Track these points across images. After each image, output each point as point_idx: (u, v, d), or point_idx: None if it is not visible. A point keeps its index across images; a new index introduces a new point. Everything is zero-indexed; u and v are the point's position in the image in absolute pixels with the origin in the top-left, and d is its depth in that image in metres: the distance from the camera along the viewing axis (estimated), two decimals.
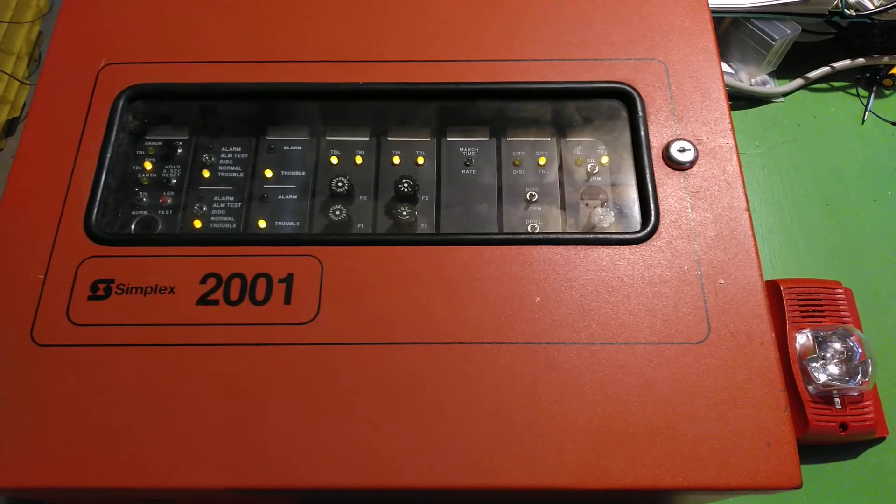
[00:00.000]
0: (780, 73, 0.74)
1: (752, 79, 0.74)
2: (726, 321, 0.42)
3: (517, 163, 0.50)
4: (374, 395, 0.40)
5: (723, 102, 0.49)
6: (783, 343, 0.57)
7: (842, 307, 0.59)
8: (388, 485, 0.37)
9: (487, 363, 0.40)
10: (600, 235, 0.44)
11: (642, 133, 0.47)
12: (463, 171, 0.49)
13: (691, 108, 0.48)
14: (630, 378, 0.40)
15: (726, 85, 0.72)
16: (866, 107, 0.73)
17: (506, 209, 0.48)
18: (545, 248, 0.44)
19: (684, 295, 0.42)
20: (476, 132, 0.50)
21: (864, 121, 0.72)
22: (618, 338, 0.41)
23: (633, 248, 0.44)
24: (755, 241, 0.44)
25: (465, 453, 0.38)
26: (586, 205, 0.48)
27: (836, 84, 0.75)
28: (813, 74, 0.74)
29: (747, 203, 0.45)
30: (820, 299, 0.59)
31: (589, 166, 0.49)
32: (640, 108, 0.48)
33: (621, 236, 0.44)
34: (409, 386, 0.40)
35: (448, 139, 0.50)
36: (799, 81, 0.74)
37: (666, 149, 0.46)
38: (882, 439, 0.58)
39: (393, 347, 0.41)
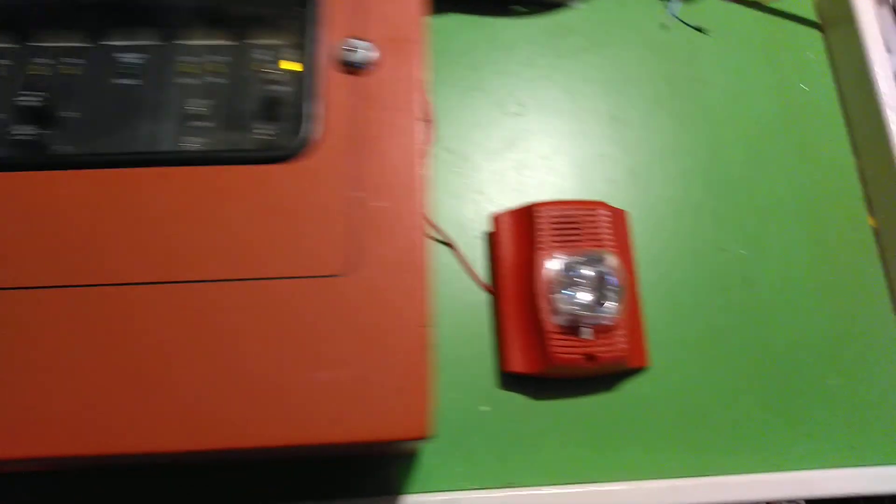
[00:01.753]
0: None
1: None
2: (377, 252, 0.36)
3: (187, 70, 0.42)
4: None
5: (415, 1, 0.41)
6: (530, 270, 0.52)
7: (603, 230, 0.54)
8: None
9: (90, 305, 0.34)
10: (245, 153, 0.38)
11: (312, 31, 0.40)
12: (120, 82, 0.42)
13: (379, 7, 0.41)
14: (256, 319, 0.35)
15: None
16: (669, 10, 0.67)
17: (164, 125, 0.41)
18: (183, 170, 0.37)
19: (333, 220, 0.36)
20: (140, 35, 0.43)
21: (665, 26, 0.66)
22: (249, 273, 0.35)
23: (283, 165, 0.37)
24: (424, 158, 0.38)
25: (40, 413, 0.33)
26: (256, 117, 0.41)
27: None
28: None
29: (425, 114, 0.39)
30: (577, 222, 0.54)
31: (267, 73, 0.42)
32: (314, 4, 0.41)
33: (271, 153, 0.38)
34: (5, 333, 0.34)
35: (105, 43, 0.42)
36: None
37: (340, 50, 0.40)
38: (643, 369, 0.54)
39: None
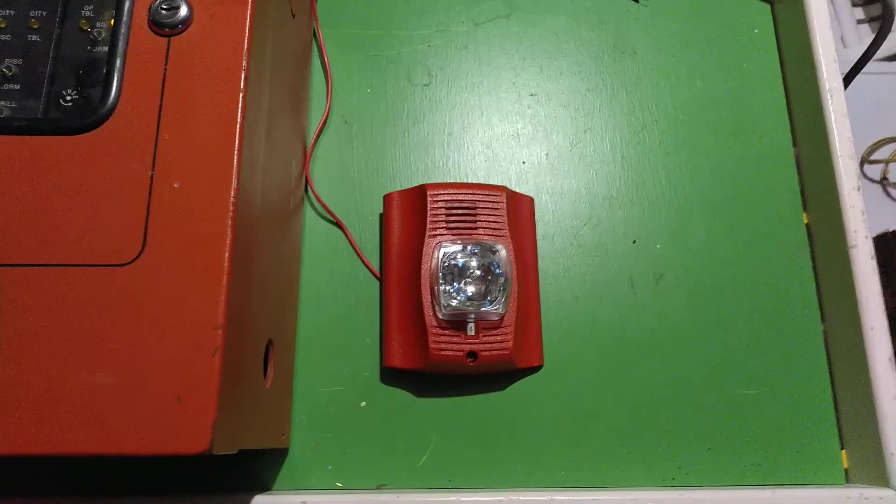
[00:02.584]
0: None
1: None
2: (170, 238, 0.32)
3: (0, 25, 0.38)
4: None
5: None
6: (418, 257, 0.48)
7: (501, 218, 0.49)
8: None
9: None
10: (38, 122, 0.34)
11: None
12: None
13: None
14: (23, 309, 0.31)
15: None
16: None
17: None
18: None
19: (122, 201, 0.32)
20: None
21: None
22: (25, 258, 0.31)
23: (77, 138, 0.33)
24: (241, 129, 0.33)
25: None
26: (68, 81, 0.36)
27: None
28: None
29: (243, 84, 0.34)
30: (474, 208, 0.49)
31: (87, 32, 0.37)
32: None
33: (63, 123, 0.33)
34: None
35: None
36: None
37: (158, 6, 0.35)
38: (536, 369, 0.50)
39: None
